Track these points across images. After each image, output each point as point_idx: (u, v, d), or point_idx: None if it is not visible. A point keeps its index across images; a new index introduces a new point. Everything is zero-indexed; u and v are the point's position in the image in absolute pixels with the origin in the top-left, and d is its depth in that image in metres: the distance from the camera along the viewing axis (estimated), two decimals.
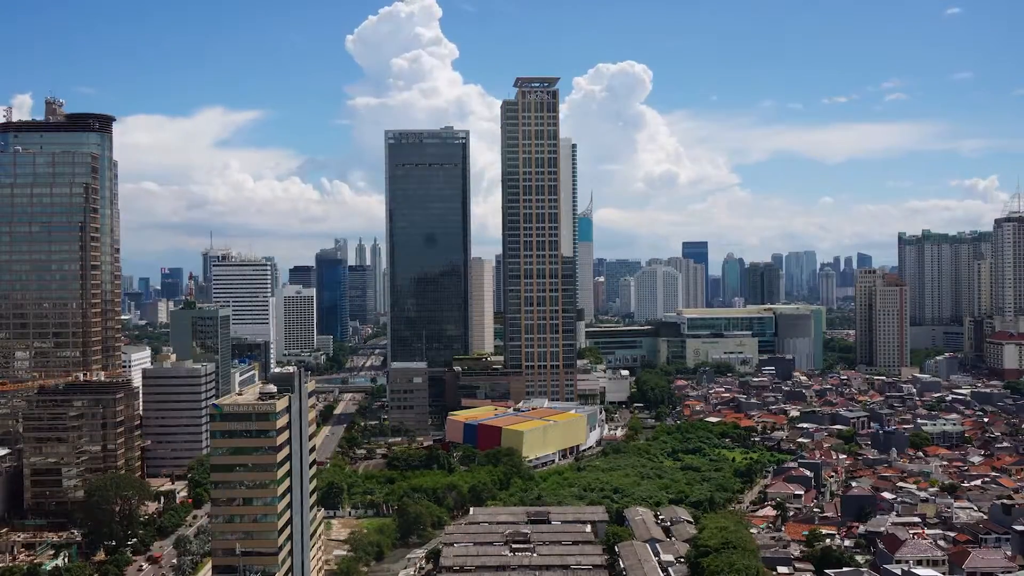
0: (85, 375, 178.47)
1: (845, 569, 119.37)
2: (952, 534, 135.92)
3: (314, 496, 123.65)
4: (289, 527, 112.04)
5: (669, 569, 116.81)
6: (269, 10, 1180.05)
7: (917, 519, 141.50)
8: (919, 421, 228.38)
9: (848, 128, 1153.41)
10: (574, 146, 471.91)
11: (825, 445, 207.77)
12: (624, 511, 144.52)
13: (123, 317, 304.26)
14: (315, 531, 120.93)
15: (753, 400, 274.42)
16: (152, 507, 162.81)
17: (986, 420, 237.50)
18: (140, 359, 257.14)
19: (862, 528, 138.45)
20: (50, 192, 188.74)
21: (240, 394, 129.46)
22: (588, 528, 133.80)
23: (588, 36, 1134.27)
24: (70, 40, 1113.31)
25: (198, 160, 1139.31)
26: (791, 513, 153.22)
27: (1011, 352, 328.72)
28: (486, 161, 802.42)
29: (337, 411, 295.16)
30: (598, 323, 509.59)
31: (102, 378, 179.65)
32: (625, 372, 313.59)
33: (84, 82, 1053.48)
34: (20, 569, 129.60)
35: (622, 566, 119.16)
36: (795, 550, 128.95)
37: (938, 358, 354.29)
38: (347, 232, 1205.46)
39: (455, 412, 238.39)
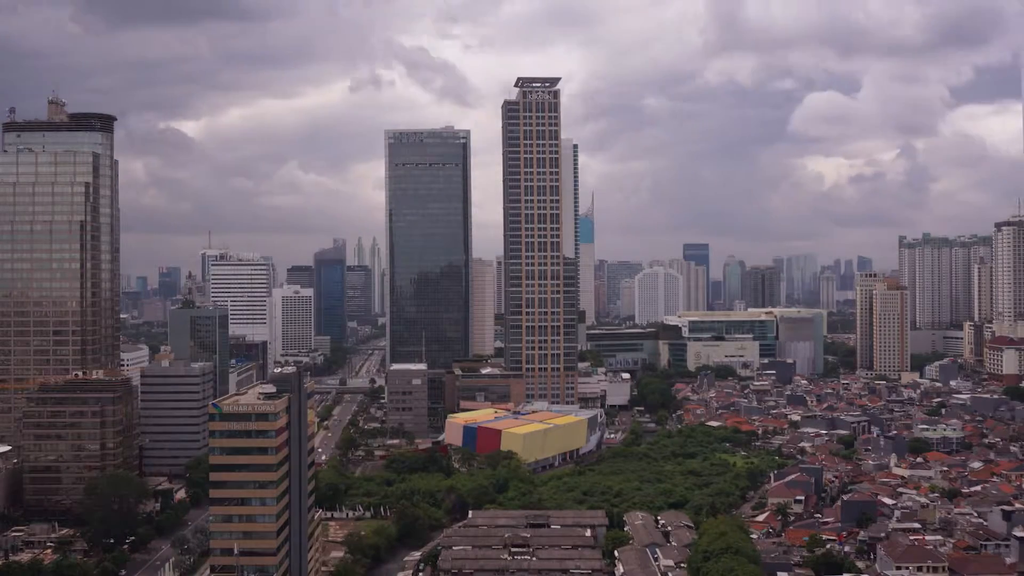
0: (84, 374, 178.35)
1: (846, 575, 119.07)
2: (952, 540, 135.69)
3: (312, 497, 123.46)
4: (287, 528, 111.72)
5: (669, 574, 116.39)
6: None
7: (917, 525, 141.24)
8: (919, 426, 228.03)
9: None
10: (575, 146, 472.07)
11: (826, 450, 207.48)
12: (624, 515, 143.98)
13: (121, 316, 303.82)
14: (313, 532, 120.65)
15: (754, 404, 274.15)
16: (150, 506, 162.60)
17: (986, 426, 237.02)
18: (137, 358, 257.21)
19: (863, 534, 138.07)
20: (51, 191, 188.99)
21: (240, 394, 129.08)
22: (587, 532, 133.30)
23: None
24: None
25: None
26: (791, 518, 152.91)
27: (1011, 357, 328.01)
28: None
29: (335, 412, 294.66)
30: (599, 325, 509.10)
31: (101, 377, 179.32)
32: (626, 375, 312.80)
33: None
34: (20, 566, 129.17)
35: (621, 571, 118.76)
36: (796, 556, 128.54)
37: (938, 363, 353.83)
38: (346, 230, 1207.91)
39: (454, 414, 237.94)
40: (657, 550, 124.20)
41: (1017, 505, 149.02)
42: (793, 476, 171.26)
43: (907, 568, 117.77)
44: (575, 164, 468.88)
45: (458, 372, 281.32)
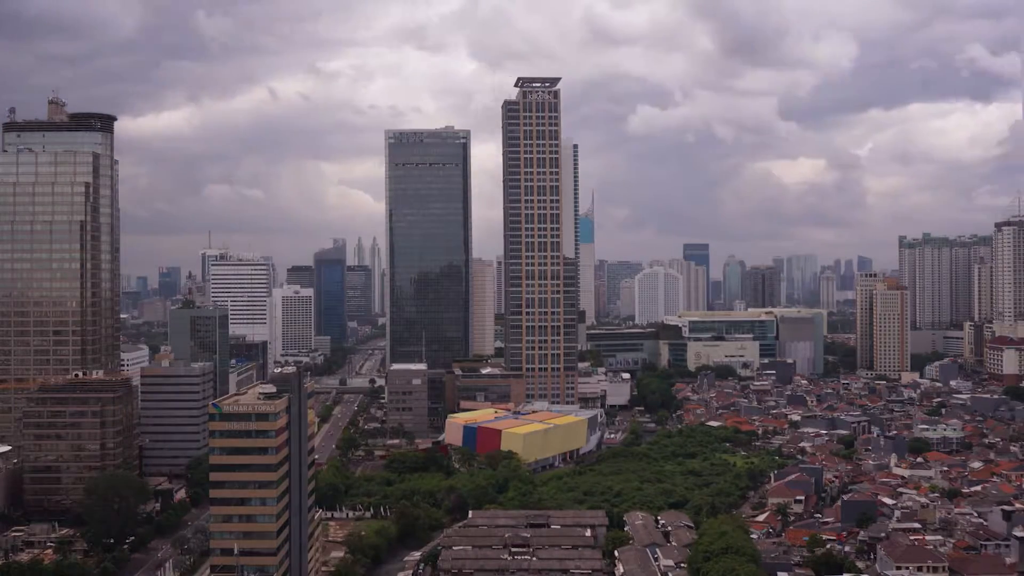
0: (84, 374, 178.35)
1: (846, 575, 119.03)
2: (952, 540, 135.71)
3: (312, 497, 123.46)
4: (287, 528, 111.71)
5: (669, 574, 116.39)
6: None
7: (918, 525, 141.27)
8: (920, 426, 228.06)
9: None
10: (575, 146, 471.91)
11: (826, 450, 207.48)
12: (624, 515, 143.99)
13: (121, 316, 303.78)
14: (313, 532, 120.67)
15: (754, 404, 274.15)
16: (150, 506, 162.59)
17: (986, 426, 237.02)
18: (137, 358, 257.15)
19: (863, 534, 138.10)
20: (51, 191, 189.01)
21: (240, 394, 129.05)
22: (588, 532, 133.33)
23: None
24: None
25: None
26: (792, 518, 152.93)
27: (1011, 357, 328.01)
28: None
29: (335, 412, 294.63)
30: (599, 325, 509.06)
31: (101, 377, 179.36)
32: (626, 375, 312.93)
33: None
34: (20, 566, 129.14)
35: (621, 571, 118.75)
36: (796, 556, 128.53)
37: (938, 363, 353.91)
38: (346, 231, 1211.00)
39: (454, 414, 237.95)
40: (657, 550, 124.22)
41: (1017, 505, 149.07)
42: (793, 476, 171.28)
43: (907, 568, 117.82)
44: (575, 164, 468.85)
45: (458, 372, 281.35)
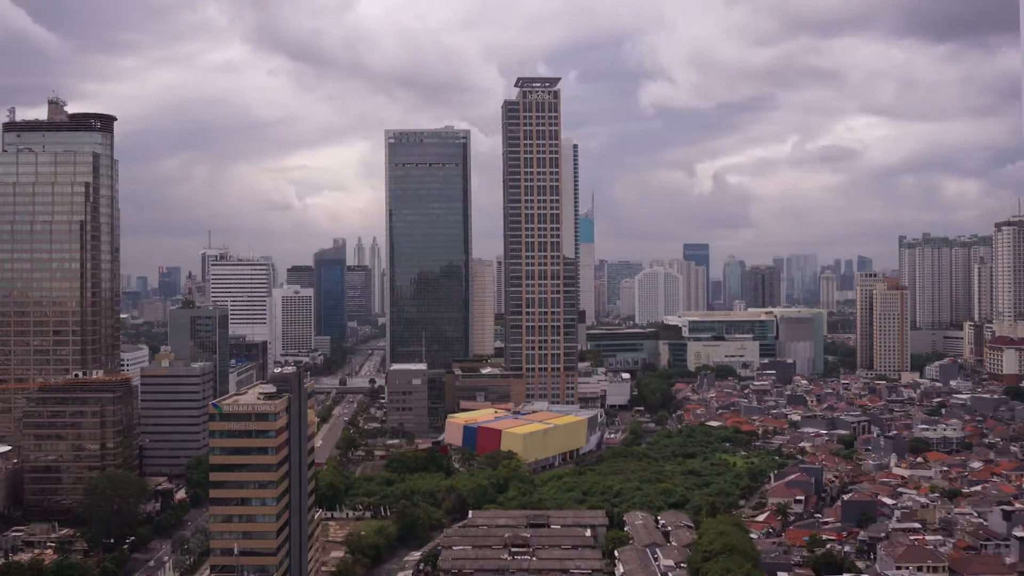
0: (84, 374, 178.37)
1: (846, 575, 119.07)
2: (952, 540, 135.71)
3: (312, 497, 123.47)
4: (287, 528, 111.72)
5: (669, 574, 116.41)
6: None
7: (917, 525, 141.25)
8: (920, 426, 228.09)
9: None
10: (575, 146, 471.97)
11: (826, 450, 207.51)
12: (624, 515, 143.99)
13: (121, 316, 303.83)
14: (313, 532, 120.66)
15: (754, 404, 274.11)
16: (150, 506, 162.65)
17: (986, 426, 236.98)
18: (137, 358, 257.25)
19: (863, 534, 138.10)
20: (51, 191, 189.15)
21: (240, 394, 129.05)
22: (588, 532, 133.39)
23: None
24: None
25: None
26: (791, 518, 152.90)
27: (1011, 357, 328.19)
28: None
29: (335, 412, 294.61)
30: (599, 325, 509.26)
31: (101, 377, 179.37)
32: (626, 375, 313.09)
33: None
34: (20, 566, 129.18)
35: (621, 571, 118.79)
36: (796, 556, 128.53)
37: (938, 363, 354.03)
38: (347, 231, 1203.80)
39: (454, 414, 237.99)
40: (657, 550, 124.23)
41: (1017, 505, 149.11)
42: (793, 476, 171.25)
43: (907, 568, 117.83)
44: (575, 164, 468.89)
45: (458, 372, 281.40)
